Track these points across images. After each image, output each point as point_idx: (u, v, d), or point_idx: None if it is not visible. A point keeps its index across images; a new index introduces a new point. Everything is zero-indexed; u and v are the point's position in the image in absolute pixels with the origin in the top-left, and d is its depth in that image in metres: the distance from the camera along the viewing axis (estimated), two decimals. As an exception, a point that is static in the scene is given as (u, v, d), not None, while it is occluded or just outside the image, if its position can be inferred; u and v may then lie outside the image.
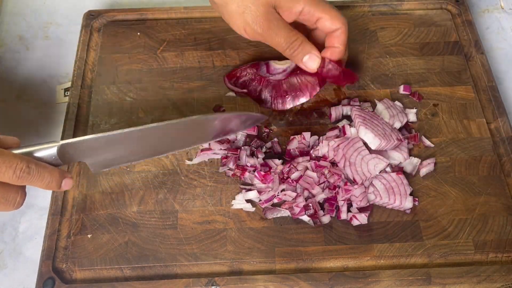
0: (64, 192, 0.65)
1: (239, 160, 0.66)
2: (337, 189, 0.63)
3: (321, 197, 0.63)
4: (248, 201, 0.64)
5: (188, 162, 0.67)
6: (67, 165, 0.66)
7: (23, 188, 0.52)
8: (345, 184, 0.63)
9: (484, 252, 0.60)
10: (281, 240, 0.61)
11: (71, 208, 0.64)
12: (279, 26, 0.66)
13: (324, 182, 0.63)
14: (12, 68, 0.81)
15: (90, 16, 0.81)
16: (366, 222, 0.61)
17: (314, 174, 0.64)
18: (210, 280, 0.58)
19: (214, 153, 0.67)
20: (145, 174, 0.66)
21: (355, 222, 0.61)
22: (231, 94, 0.73)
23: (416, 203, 0.63)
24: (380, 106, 0.69)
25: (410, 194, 0.63)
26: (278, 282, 0.58)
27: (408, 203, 0.62)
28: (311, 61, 0.67)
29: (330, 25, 0.67)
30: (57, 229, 0.62)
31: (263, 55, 0.77)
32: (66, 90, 0.78)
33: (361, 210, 0.62)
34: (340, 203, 0.62)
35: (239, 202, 0.63)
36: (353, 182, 0.63)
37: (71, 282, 0.59)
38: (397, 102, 0.70)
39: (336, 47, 0.67)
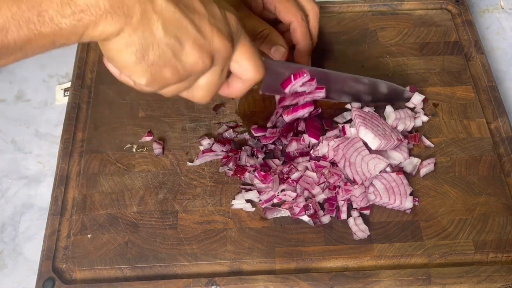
0: (64, 192, 0.65)
1: (239, 160, 0.66)
2: (337, 189, 0.63)
3: (321, 197, 0.63)
4: (248, 201, 0.63)
5: (189, 164, 0.66)
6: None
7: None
8: (345, 184, 0.63)
9: (484, 252, 0.60)
10: (281, 240, 0.61)
11: (71, 208, 0.64)
12: (247, 16, 0.67)
13: (324, 182, 0.63)
14: (12, 68, 0.81)
15: (90, 16, 0.81)
16: (366, 237, 0.61)
17: (314, 174, 0.64)
18: (210, 280, 0.58)
19: (216, 155, 0.67)
20: (145, 174, 0.66)
21: (356, 237, 0.61)
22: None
23: (416, 203, 0.63)
24: (388, 108, 0.69)
25: (410, 194, 0.63)
26: (278, 282, 0.58)
27: (408, 203, 0.62)
28: (277, 52, 0.68)
29: (283, 17, 0.67)
30: (57, 229, 0.62)
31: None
32: (66, 90, 0.78)
33: (361, 209, 0.62)
34: (340, 203, 0.62)
35: (239, 202, 0.63)
36: (353, 182, 0.63)
37: (71, 282, 0.59)
38: (408, 110, 0.70)
39: (297, 43, 0.68)
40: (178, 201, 0.64)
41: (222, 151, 0.67)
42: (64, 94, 0.78)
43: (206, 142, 0.68)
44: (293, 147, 0.67)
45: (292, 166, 0.64)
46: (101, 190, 0.65)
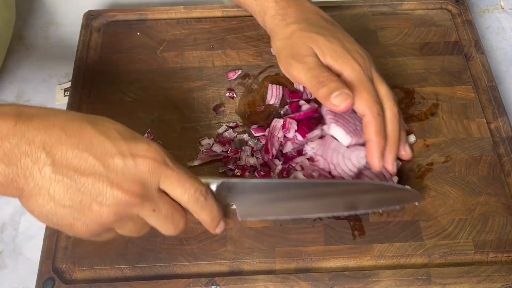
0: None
1: (239, 160, 0.66)
2: None
3: None
4: None
5: (189, 164, 0.66)
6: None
7: (186, 213, 0.49)
8: None
9: (484, 252, 0.60)
10: (281, 240, 0.61)
11: (71, 208, 0.64)
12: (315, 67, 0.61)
13: None
14: (12, 68, 0.81)
15: (90, 16, 0.81)
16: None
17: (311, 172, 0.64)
18: (210, 280, 0.58)
19: (216, 155, 0.67)
20: (145, 174, 0.66)
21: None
22: (231, 94, 0.73)
23: (416, 203, 0.63)
24: None
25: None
26: (278, 282, 0.58)
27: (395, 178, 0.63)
28: (337, 98, 0.58)
29: (357, 108, 0.60)
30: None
31: (263, 55, 0.77)
32: (66, 90, 0.78)
33: None
34: None
35: None
36: None
37: (71, 282, 0.59)
38: None
39: (369, 140, 0.60)
40: (178, 201, 0.64)
41: (222, 151, 0.67)
42: (64, 94, 0.78)
43: (206, 142, 0.68)
44: (288, 147, 0.67)
45: (290, 166, 0.64)
46: (101, 190, 0.65)
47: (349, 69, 0.60)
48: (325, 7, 0.82)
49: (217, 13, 0.82)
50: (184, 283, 0.58)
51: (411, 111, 0.71)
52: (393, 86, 0.73)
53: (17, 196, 0.45)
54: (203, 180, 0.50)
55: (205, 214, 0.49)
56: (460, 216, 0.62)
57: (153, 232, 0.61)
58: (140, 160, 0.45)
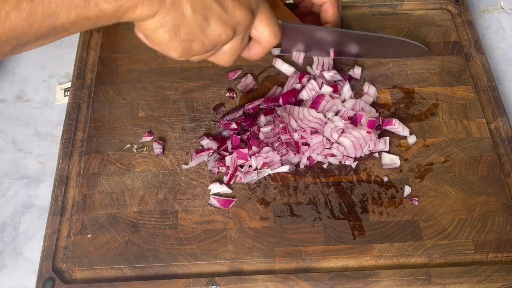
0: (64, 192, 0.65)
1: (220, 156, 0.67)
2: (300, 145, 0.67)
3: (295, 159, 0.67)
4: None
5: (185, 167, 0.66)
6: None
7: None
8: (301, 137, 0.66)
9: (484, 252, 0.60)
10: (281, 240, 0.61)
11: (71, 208, 0.64)
12: (274, 7, 0.69)
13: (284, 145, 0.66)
14: (12, 68, 0.81)
15: (90, 16, 0.81)
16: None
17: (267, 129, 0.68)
18: (210, 280, 0.58)
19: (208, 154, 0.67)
20: (145, 174, 0.66)
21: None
22: (231, 94, 0.73)
23: (416, 203, 0.63)
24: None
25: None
26: (278, 282, 0.58)
27: (381, 145, 0.67)
28: None
29: None
30: (57, 229, 0.62)
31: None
32: (66, 90, 0.78)
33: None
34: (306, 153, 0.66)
35: (216, 187, 0.65)
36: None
37: (71, 282, 0.59)
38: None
39: (326, 22, 0.73)
40: (178, 201, 0.64)
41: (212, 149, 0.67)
42: (64, 94, 0.78)
43: (205, 142, 0.68)
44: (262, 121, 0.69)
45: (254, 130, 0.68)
46: (101, 190, 0.65)
47: None
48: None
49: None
50: (184, 283, 0.58)
51: (411, 111, 0.71)
52: (393, 86, 0.74)
53: (154, 10, 0.46)
54: None
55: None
56: (460, 216, 0.62)
57: (153, 232, 0.61)
58: None
